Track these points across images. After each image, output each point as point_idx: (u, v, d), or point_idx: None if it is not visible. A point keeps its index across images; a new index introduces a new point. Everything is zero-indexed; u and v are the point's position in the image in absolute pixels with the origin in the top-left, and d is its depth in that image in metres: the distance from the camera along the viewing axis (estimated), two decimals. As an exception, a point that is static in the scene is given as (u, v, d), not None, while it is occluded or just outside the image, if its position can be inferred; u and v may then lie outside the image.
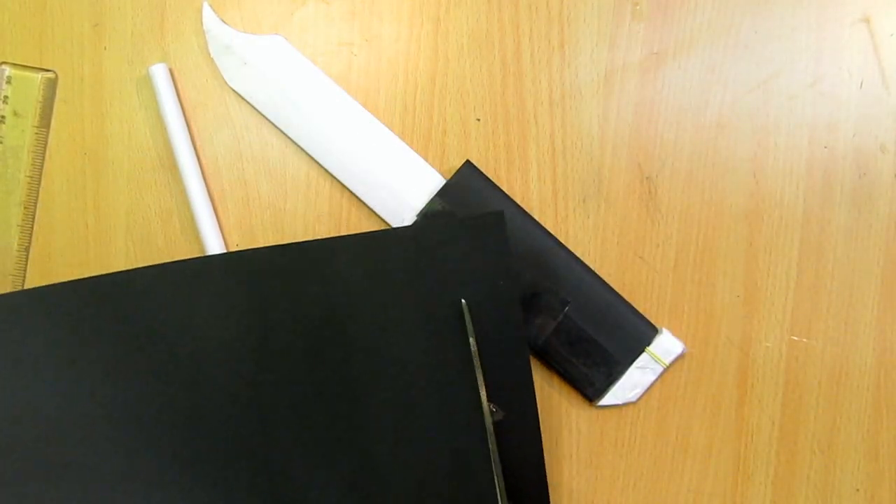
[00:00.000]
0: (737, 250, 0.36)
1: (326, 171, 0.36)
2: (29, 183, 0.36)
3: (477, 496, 0.32)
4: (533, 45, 0.36)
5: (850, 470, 0.35)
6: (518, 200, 0.36)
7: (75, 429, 0.32)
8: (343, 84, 0.36)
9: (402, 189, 0.35)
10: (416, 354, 0.32)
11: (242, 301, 0.32)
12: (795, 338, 0.36)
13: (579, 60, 0.36)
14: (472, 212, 0.35)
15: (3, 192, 0.36)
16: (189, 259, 0.32)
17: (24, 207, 0.36)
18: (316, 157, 0.36)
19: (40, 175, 0.36)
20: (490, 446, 0.32)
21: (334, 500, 0.32)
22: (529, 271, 0.35)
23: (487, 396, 0.32)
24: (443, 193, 0.35)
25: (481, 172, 0.35)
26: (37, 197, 0.36)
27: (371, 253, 0.32)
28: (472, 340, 0.32)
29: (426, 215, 0.34)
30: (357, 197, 0.36)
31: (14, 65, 0.36)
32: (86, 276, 0.33)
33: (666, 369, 0.35)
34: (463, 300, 0.32)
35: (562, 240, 0.35)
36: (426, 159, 0.36)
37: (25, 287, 0.36)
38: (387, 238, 0.32)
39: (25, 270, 0.36)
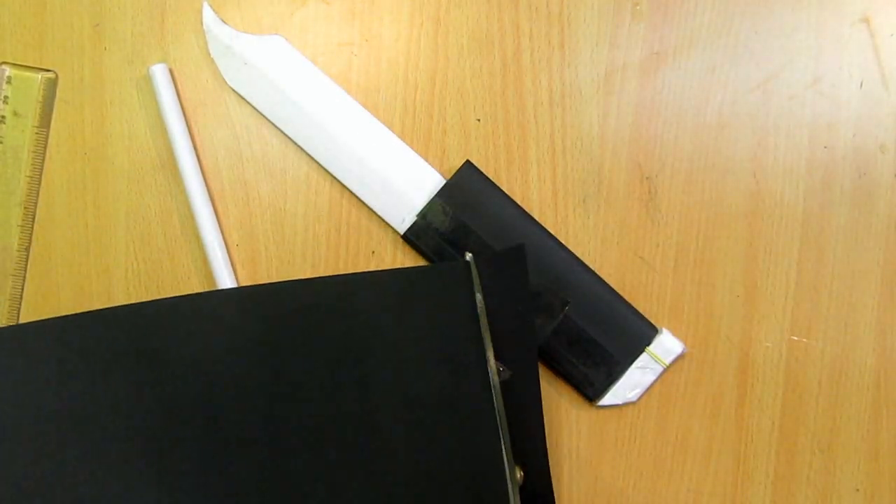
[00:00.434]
0: (737, 250, 0.36)
1: (326, 171, 0.36)
2: (29, 183, 0.36)
3: None
4: (533, 45, 0.36)
5: (850, 470, 0.35)
6: (518, 200, 0.36)
7: (86, 466, 0.31)
8: (343, 84, 0.36)
9: (402, 189, 0.35)
10: (435, 393, 0.32)
11: (256, 336, 0.31)
12: (795, 338, 0.36)
13: (579, 60, 0.36)
14: (472, 212, 0.35)
15: (3, 192, 0.36)
16: (203, 293, 0.32)
17: (24, 207, 0.36)
18: (316, 157, 0.36)
19: (40, 175, 0.36)
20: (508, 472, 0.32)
21: None
22: (529, 271, 0.35)
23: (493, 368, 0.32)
24: (443, 193, 0.35)
25: (481, 172, 0.35)
26: (37, 197, 0.36)
27: (388, 291, 0.32)
28: (478, 296, 0.31)
29: (442, 257, 0.34)
30: (357, 197, 0.36)
31: (14, 65, 0.37)
32: (85, 276, 0.33)
33: (666, 369, 0.35)
34: (469, 254, 0.32)
35: (562, 240, 0.35)
36: (426, 159, 0.36)
37: (25, 289, 0.36)
38: (405, 276, 0.32)
39: (26, 270, 0.36)
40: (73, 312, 0.31)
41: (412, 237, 0.35)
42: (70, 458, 0.31)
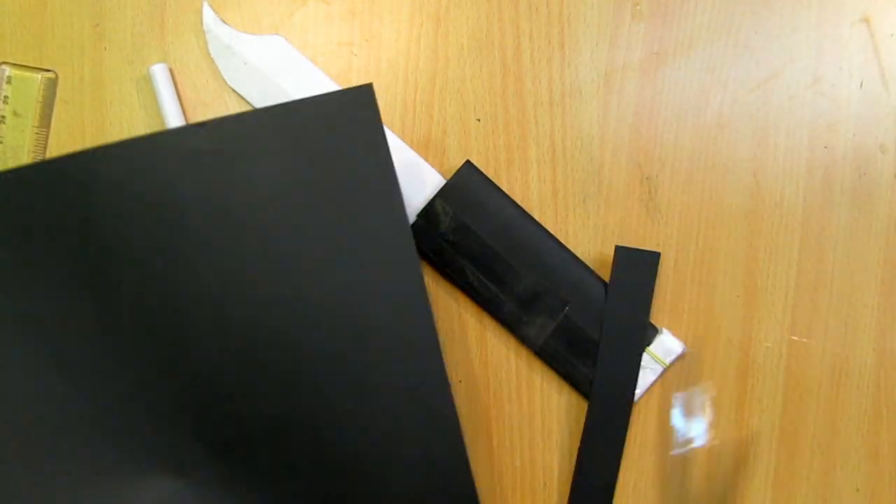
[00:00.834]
0: (737, 250, 0.36)
1: (326, 171, 0.36)
2: (29, 183, 0.36)
3: (422, 369, 0.30)
4: (533, 45, 0.36)
5: (850, 470, 0.35)
6: (518, 200, 0.36)
7: None
8: (343, 84, 0.36)
9: (402, 189, 0.35)
10: (341, 224, 0.30)
11: (149, 187, 0.29)
12: (795, 338, 0.36)
13: (579, 60, 0.36)
14: (472, 212, 0.35)
15: (3, 192, 0.36)
16: (89, 148, 0.29)
17: (24, 207, 0.36)
18: (316, 157, 0.36)
19: (40, 175, 0.36)
20: None
21: (263, 403, 0.30)
22: (529, 271, 0.35)
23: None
24: (443, 193, 0.35)
25: (481, 172, 0.35)
26: (37, 197, 0.36)
27: (275, 129, 0.30)
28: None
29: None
30: (357, 197, 0.36)
31: (14, 65, 0.37)
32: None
33: (666, 369, 0.35)
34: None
35: (562, 240, 0.35)
36: (426, 159, 0.36)
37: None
38: (301, 108, 0.30)
39: (25, 270, 0.36)
40: None
41: (412, 237, 0.35)
42: None
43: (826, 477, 0.35)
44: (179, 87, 0.36)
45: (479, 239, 0.35)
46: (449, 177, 0.35)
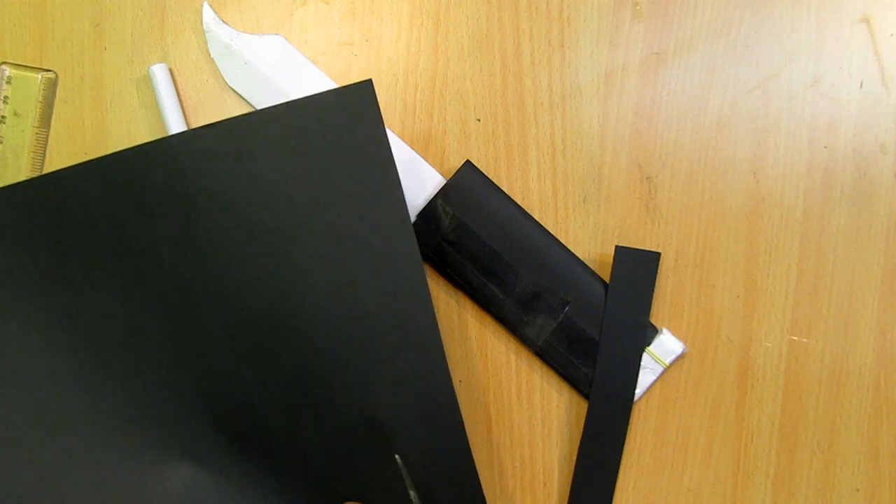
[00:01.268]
0: (737, 250, 0.36)
1: (326, 171, 0.36)
2: (29, 183, 0.36)
3: (425, 360, 0.31)
4: (533, 45, 0.36)
5: (850, 470, 0.35)
6: (518, 200, 0.36)
7: (16, 337, 0.31)
8: (343, 84, 0.36)
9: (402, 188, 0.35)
10: (352, 225, 0.31)
11: (166, 190, 0.31)
12: (795, 338, 0.36)
13: (579, 60, 0.36)
14: (472, 212, 0.35)
15: (3, 192, 0.36)
16: (109, 154, 0.31)
17: (24, 207, 0.36)
18: (316, 157, 0.36)
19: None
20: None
21: (277, 395, 0.32)
22: (529, 271, 0.35)
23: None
24: (443, 193, 0.35)
25: (481, 172, 0.35)
26: (37, 197, 0.36)
27: (287, 126, 0.31)
28: (412, 493, 0.31)
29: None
30: (357, 197, 0.36)
31: (14, 65, 0.36)
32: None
33: (666, 369, 0.35)
34: (397, 456, 0.32)
35: (562, 240, 0.35)
36: (426, 159, 0.36)
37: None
38: (304, 106, 0.31)
39: (25, 270, 0.36)
40: None
41: (412, 237, 0.35)
42: None
43: (826, 477, 0.35)
44: (179, 87, 0.36)
45: (479, 239, 0.35)
46: (449, 177, 0.35)
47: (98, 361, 0.32)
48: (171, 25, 0.36)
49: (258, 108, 0.36)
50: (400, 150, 0.36)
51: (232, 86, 0.36)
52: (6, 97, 0.36)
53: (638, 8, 0.36)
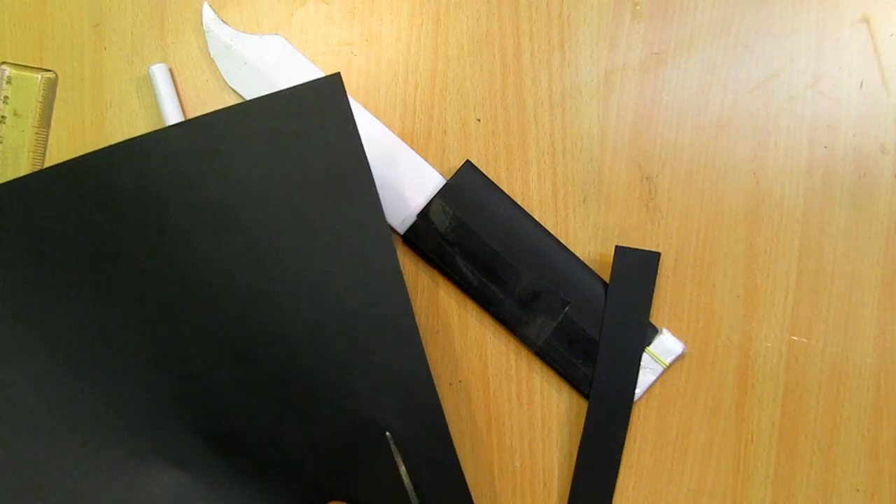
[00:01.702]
0: (737, 250, 0.36)
1: (326, 171, 0.36)
2: (29, 183, 0.36)
3: (403, 355, 0.31)
4: (533, 45, 0.36)
5: (850, 470, 0.35)
6: (518, 200, 0.36)
7: None
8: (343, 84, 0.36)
9: (402, 189, 0.35)
10: (320, 217, 0.31)
11: (135, 192, 0.30)
12: (795, 338, 0.36)
13: (579, 60, 0.36)
14: (472, 212, 0.35)
15: (3, 192, 0.36)
16: (77, 157, 0.30)
17: (24, 207, 0.36)
18: (316, 157, 0.36)
19: (40, 175, 0.36)
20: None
21: (259, 396, 0.31)
22: (529, 271, 0.35)
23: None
24: (443, 193, 0.35)
25: (481, 172, 0.35)
26: (37, 197, 0.36)
27: (258, 122, 0.30)
28: (402, 470, 0.31)
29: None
30: (357, 197, 0.36)
31: (14, 65, 0.37)
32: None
33: (666, 369, 0.35)
34: (388, 433, 0.31)
35: (562, 240, 0.35)
36: (426, 159, 0.36)
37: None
38: (272, 103, 0.30)
39: (25, 270, 0.36)
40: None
41: (412, 237, 0.35)
42: None
43: (826, 477, 0.35)
44: (179, 87, 0.36)
45: (479, 239, 0.35)
46: (449, 177, 0.35)
47: (74, 367, 0.31)
48: (171, 25, 0.36)
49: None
50: (400, 150, 0.36)
51: (232, 86, 0.36)
52: (6, 97, 0.36)
53: (638, 8, 0.36)
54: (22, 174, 0.36)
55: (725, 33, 0.36)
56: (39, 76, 0.36)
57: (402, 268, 0.32)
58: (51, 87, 0.37)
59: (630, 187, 0.36)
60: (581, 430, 0.35)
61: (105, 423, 0.31)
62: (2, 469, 0.31)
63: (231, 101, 0.36)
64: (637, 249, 0.35)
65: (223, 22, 0.36)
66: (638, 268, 0.35)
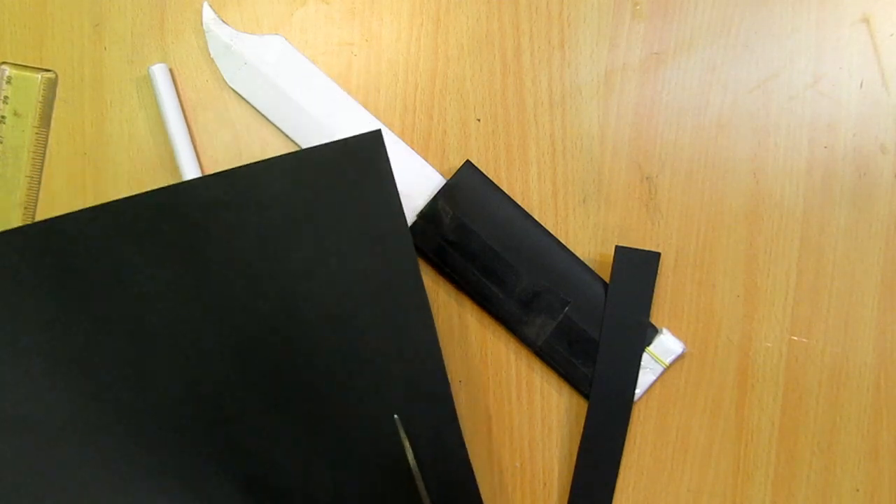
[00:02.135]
0: (737, 250, 0.36)
1: (326, 171, 0.36)
2: (29, 183, 0.36)
3: (431, 416, 0.32)
4: (533, 45, 0.36)
5: (850, 470, 0.35)
6: (518, 200, 0.36)
7: (18, 383, 0.31)
8: (343, 84, 0.36)
9: (402, 189, 0.35)
10: (362, 276, 0.31)
11: (173, 238, 0.31)
12: (795, 338, 0.36)
13: (579, 60, 0.36)
14: (472, 212, 0.35)
15: (4, 192, 0.36)
16: (118, 200, 0.31)
17: (24, 208, 0.36)
18: (316, 157, 0.36)
19: (40, 175, 0.36)
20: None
21: (289, 437, 0.32)
22: (529, 271, 0.35)
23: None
24: (443, 193, 0.35)
25: (481, 172, 0.35)
26: (37, 197, 0.36)
27: (297, 175, 0.31)
28: (410, 456, 0.32)
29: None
30: (357, 197, 0.36)
31: (14, 65, 0.37)
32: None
33: (666, 369, 0.35)
34: (396, 416, 0.32)
35: (562, 240, 0.35)
36: (426, 159, 0.36)
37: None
38: (312, 156, 0.31)
39: (25, 270, 0.36)
40: None
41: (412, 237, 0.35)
42: None
43: (826, 477, 0.35)
44: (179, 87, 0.36)
45: (479, 239, 0.35)
46: (449, 177, 0.35)
47: (105, 407, 0.31)
48: (171, 25, 0.36)
49: (258, 108, 0.36)
50: (400, 151, 0.36)
51: (232, 86, 0.36)
52: (6, 97, 0.36)
53: (638, 8, 0.36)
54: (22, 174, 0.36)
55: (725, 33, 0.36)
56: (39, 76, 0.36)
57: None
58: (51, 87, 0.37)
59: (630, 187, 0.36)
60: (581, 430, 0.35)
61: (134, 462, 0.32)
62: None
63: (231, 101, 0.36)
64: (637, 249, 0.35)
65: (223, 22, 0.36)
66: (638, 268, 0.35)
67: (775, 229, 0.36)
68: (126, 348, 0.31)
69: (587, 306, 0.35)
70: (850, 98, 0.35)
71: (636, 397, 0.35)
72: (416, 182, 0.35)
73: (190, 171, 0.35)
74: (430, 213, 0.35)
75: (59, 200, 0.36)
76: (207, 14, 0.36)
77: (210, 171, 0.36)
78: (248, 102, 0.36)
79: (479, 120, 0.36)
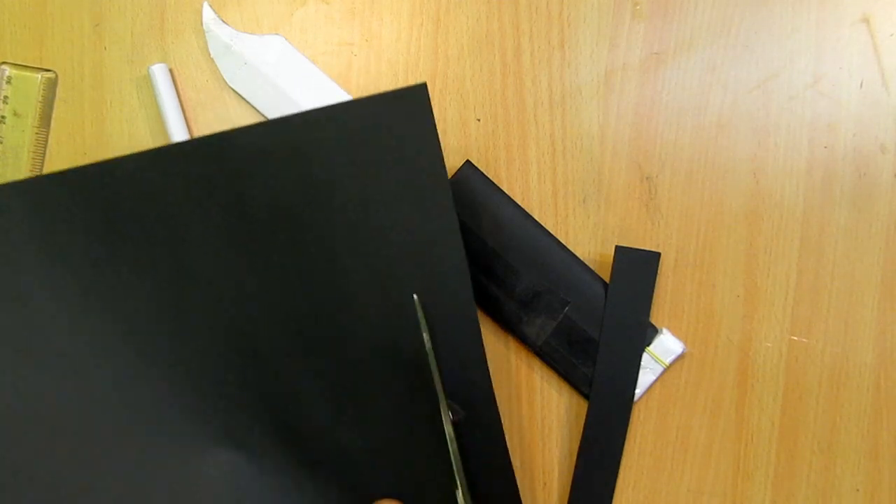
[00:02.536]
0: (737, 250, 0.36)
1: (326, 171, 0.36)
2: (29, 183, 0.36)
3: (470, 369, 0.32)
4: (533, 45, 0.36)
5: (850, 470, 0.35)
6: (518, 200, 0.36)
7: (62, 320, 0.32)
8: (343, 84, 0.36)
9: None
10: (401, 229, 0.31)
11: (220, 184, 0.31)
12: (795, 338, 0.36)
13: (579, 60, 0.36)
14: (472, 212, 0.35)
15: (3, 192, 0.36)
16: (168, 145, 0.32)
17: (24, 207, 0.36)
18: (316, 157, 0.36)
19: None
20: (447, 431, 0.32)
21: (323, 383, 0.32)
22: (529, 271, 0.35)
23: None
24: (443, 193, 0.35)
25: (481, 172, 0.35)
26: (37, 197, 0.36)
27: (345, 125, 0.31)
28: (425, 336, 0.32)
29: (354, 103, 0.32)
30: (357, 197, 0.36)
31: (14, 65, 0.37)
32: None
33: (666, 369, 0.35)
34: (415, 296, 0.32)
35: (562, 240, 0.35)
36: (426, 159, 0.36)
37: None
38: (360, 107, 0.31)
39: (25, 270, 0.36)
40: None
41: (412, 237, 0.35)
42: (42, 311, 0.32)
43: (826, 477, 0.35)
44: (179, 87, 0.36)
45: (479, 239, 0.35)
46: (449, 177, 0.35)
47: (143, 347, 0.32)
48: (171, 25, 0.36)
49: (258, 108, 0.36)
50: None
51: (232, 86, 0.36)
52: (6, 97, 0.36)
53: (638, 8, 0.36)
54: (22, 174, 0.36)
55: (725, 33, 0.36)
56: (39, 76, 0.36)
57: None
58: (51, 87, 0.37)
59: (630, 187, 0.36)
60: (581, 430, 0.35)
61: (168, 401, 0.32)
62: (65, 442, 0.32)
63: (231, 100, 0.36)
64: (637, 249, 0.35)
65: (223, 22, 0.36)
66: (638, 268, 0.35)
67: (775, 229, 0.36)
68: (166, 291, 0.32)
69: (587, 306, 0.35)
70: (850, 98, 0.35)
71: (636, 397, 0.35)
72: (416, 182, 0.35)
73: (190, 171, 0.35)
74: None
75: (59, 200, 0.36)
76: (207, 14, 0.36)
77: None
78: (248, 102, 0.36)
79: (479, 120, 0.36)
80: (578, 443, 0.35)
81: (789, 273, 0.36)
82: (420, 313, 0.31)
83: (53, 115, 0.37)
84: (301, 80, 0.36)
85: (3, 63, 0.36)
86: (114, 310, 0.32)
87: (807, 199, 0.36)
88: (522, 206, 0.35)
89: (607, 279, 0.35)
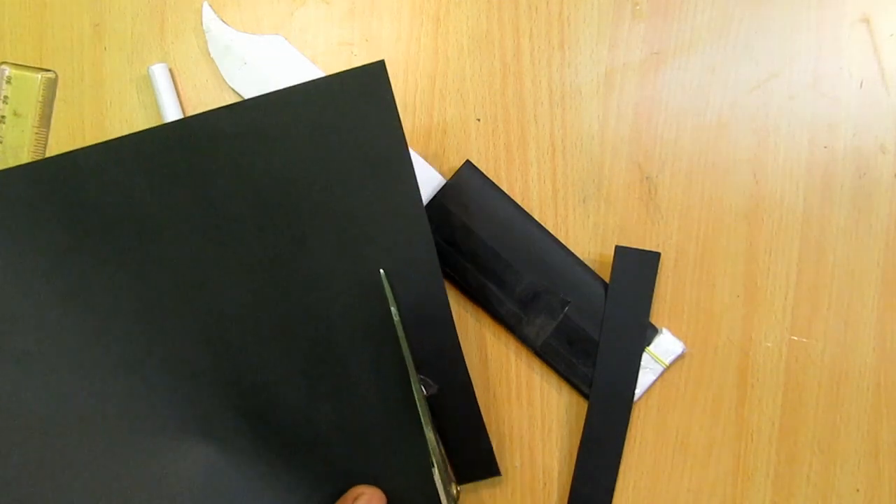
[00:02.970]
0: (737, 250, 0.36)
1: (326, 171, 0.36)
2: (29, 183, 0.36)
3: (437, 337, 0.32)
4: (533, 45, 0.36)
5: (850, 470, 0.35)
6: (518, 200, 0.36)
7: (27, 315, 0.31)
8: (343, 84, 0.36)
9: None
10: (365, 206, 0.31)
11: (183, 170, 0.31)
12: (795, 338, 0.36)
13: (579, 60, 0.36)
14: (472, 212, 0.35)
15: (3, 192, 0.36)
16: (129, 134, 0.31)
17: (24, 207, 0.36)
18: (316, 157, 0.36)
19: (40, 175, 0.36)
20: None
21: (295, 367, 0.32)
22: (529, 271, 0.35)
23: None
24: (443, 193, 0.35)
25: (481, 172, 0.35)
26: (37, 197, 0.36)
27: (304, 106, 0.31)
28: (393, 310, 0.31)
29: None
30: (357, 197, 0.36)
31: (14, 65, 0.37)
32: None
33: (666, 369, 0.35)
34: (382, 270, 0.32)
35: (562, 240, 0.35)
36: (426, 159, 0.36)
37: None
38: (317, 88, 0.31)
39: (25, 270, 0.36)
40: None
41: (412, 237, 0.35)
42: (6, 305, 0.32)
43: (826, 477, 0.35)
44: (179, 87, 0.36)
45: (479, 239, 0.35)
46: (449, 177, 0.35)
47: (111, 340, 0.32)
48: (171, 25, 0.36)
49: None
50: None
51: (232, 86, 0.36)
52: (6, 97, 0.36)
53: (638, 8, 0.36)
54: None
55: (725, 33, 0.36)
56: (39, 76, 0.36)
57: None
58: (51, 87, 0.37)
59: (630, 187, 0.36)
60: (581, 430, 0.35)
61: (138, 396, 0.32)
62: (35, 441, 0.31)
63: (231, 100, 0.36)
64: (637, 249, 0.35)
65: (223, 22, 0.36)
66: (638, 268, 0.35)
67: (775, 229, 0.36)
68: (133, 280, 0.32)
69: (587, 306, 0.35)
70: (850, 98, 0.35)
71: (636, 397, 0.35)
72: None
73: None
74: (429, 213, 0.35)
75: (59, 200, 0.36)
76: (207, 14, 0.36)
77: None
78: (248, 102, 0.36)
79: (479, 120, 0.36)
80: (578, 443, 0.35)
81: (789, 273, 0.36)
82: (387, 287, 0.31)
83: (53, 115, 0.37)
84: (301, 81, 0.36)
85: (3, 63, 0.36)
86: (81, 303, 0.32)
87: (807, 199, 0.36)
88: (522, 205, 0.35)
89: (607, 279, 0.35)
